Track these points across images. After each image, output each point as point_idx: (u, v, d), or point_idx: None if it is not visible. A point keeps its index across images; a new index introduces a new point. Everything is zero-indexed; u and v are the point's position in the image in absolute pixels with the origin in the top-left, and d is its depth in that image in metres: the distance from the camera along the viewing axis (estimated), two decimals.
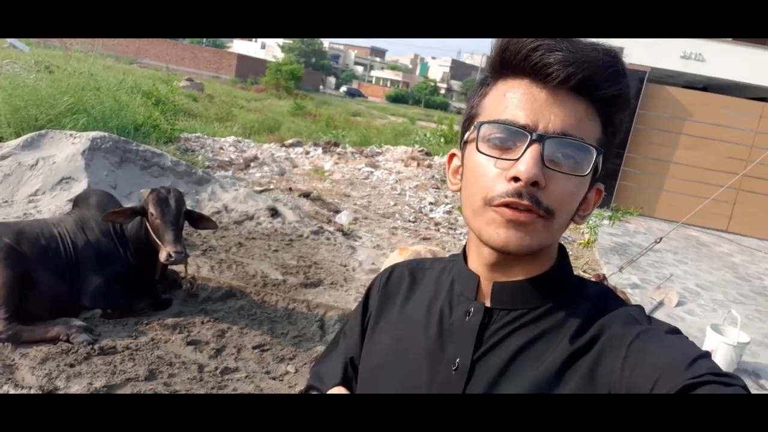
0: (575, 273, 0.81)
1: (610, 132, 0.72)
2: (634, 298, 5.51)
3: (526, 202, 0.66)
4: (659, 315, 5.05)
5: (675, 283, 6.40)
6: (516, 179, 0.66)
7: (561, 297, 0.75)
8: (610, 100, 0.69)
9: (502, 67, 0.71)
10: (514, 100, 0.69)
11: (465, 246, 0.82)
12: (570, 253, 5.05)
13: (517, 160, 0.66)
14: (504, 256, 0.73)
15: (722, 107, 10.10)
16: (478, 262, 0.77)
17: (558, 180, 0.67)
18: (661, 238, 5.80)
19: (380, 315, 0.89)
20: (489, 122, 0.70)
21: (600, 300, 0.75)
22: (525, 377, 0.71)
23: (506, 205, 0.67)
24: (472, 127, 0.73)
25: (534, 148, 0.66)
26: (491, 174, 0.69)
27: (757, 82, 10.10)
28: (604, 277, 5.42)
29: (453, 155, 0.82)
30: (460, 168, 0.78)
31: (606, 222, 8.25)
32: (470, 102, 0.77)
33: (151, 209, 3.49)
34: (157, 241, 3.49)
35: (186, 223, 3.77)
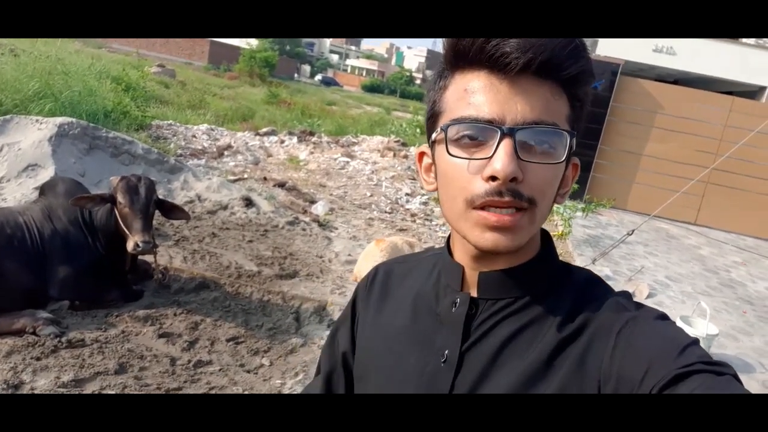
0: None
1: (577, 107, 0.70)
2: None
3: (507, 198, 0.65)
4: None
5: (646, 275, 6.51)
6: (493, 178, 0.64)
7: (547, 284, 0.74)
8: (575, 77, 0.67)
9: (457, 60, 0.69)
10: (476, 94, 0.67)
11: (449, 237, 0.81)
12: None
13: (491, 157, 0.65)
14: (497, 253, 0.71)
15: (692, 101, 10.27)
16: (463, 253, 0.76)
17: (535, 170, 0.66)
18: (632, 231, 5.89)
19: (368, 316, 0.88)
20: (455, 122, 0.68)
21: (586, 286, 0.74)
22: (514, 367, 0.70)
23: (489, 205, 0.66)
24: (439, 129, 0.70)
25: (506, 143, 0.64)
26: (467, 175, 0.67)
27: (726, 76, 10.31)
28: None
29: (423, 153, 0.80)
30: (432, 166, 0.76)
31: (579, 214, 8.35)
32: (430, 97, 0.75)
33: (120, 197, 3.40)
34: (125, 230, 3.41)
35: (158, 213, 3.69)
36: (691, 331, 4.19)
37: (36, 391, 2.64)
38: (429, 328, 0.79)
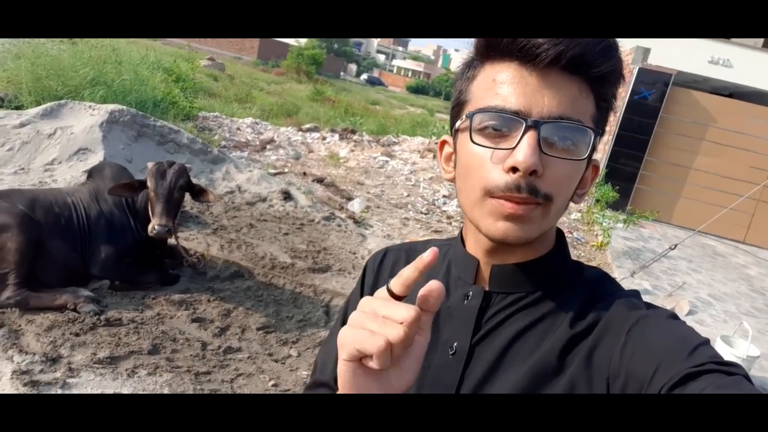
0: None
1: (603, 108, 0.70)
2: None
3: (524, 195, 0.65)
4: None
5: (687, 291, 6.31)
6: (514, 169, 0.64)
7: (559, 281, 0.74)
8: (605, 76, 0.67)
9: (488, 50, 0.69)
10: (504, 85, 0.67)
11: (462, 230, 0.81)
12: (582, 255, 5.00)
13: (514, 148, 0.64)
14: (502, 244, 0.71)
15: (747, 115, 9.90)
16: (476, 246, 0.76)
17: (556, 165, 0.66)
18: (676, 245, 5.71)
19: None
20: (481, 111, 0.67)
21: (597, 284, 0.74)
22: (524, 362, 0.70)
23: (505, 199, 0.66)
24: (464, 116, 0.70)
25: (530, 135, 0.64)
26: (488, 165, 0.67)
27: None
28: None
29: (444, 142, 0.80)
30: (452, 155, 0.76)
31: (620, 225, 8.15)
32: (458, 86, 0.74)
33: (148, 182, 3.49)
34: (150, 213, 3.50)
35: (192, 201, 3.74)
36: (732, 352, 4.04)
37: (72, 366, 2.74)
38: (437, 319, 0.77)
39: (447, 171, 0.78)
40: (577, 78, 0.66)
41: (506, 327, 0.73)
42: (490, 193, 0.67)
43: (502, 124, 0.66)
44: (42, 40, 9.74)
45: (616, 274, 6.07)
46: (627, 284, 5.67)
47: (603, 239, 7.26)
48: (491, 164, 0.66)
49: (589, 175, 0.74)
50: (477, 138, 0.68)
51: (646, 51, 9.76)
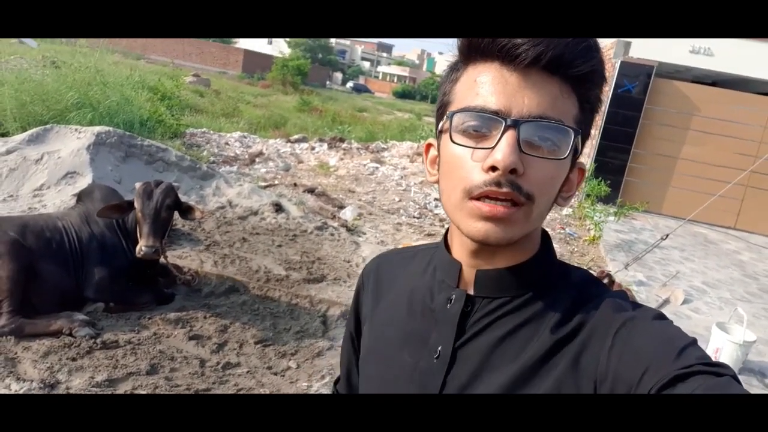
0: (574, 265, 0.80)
1: (587, 109, 0.70)
2: (640, 295, 5.48)
3: (505, 189, 0.64)
4: (665, 312, 5.02)
5: (681, 280, 6.35)
6: (494, 168, 0.64)
7: (544, 284, 0.74)
8: (585, 77, 0.66)
9: (470, 52, 0.69)
10: (485, 86, 0.67)
11: (446, 233, 0.81)
12: (575, 250, 5.03)
13: (493, 148, 0.64)
14: (485, 246, 0.71)
15: (731, 102, 9.99)
16: (461, 250, 0.76)
17: (537, 165, 0.65)
18: (667, 235, 5.75)
19: (368, 307, 0.90)
20: (461, 111, 0.68)
21: (584, 286, 0.74)
22: (508, 365, 0.69)
23: (486, 195, 0.65)
24: (445, 117, 0.70)
25: (509, 135, 0.64)
26: (468, 165, 0.67)
27: (765, 77, 10.00)
28: (609, 274, 5.39)
29: (430, 145, 0.80)
30: (437, 158, 0.75)
31: (611, 218, 8.20)
32: (442, 89, 0.75)
33: (135, 202, 3.48)
34: (138, 234, 3.49)
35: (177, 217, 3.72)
36: (728, 338, 4.07)
37: (71, 391, 2.73)
38: (423, 324, 0.78)
39: (432, 174, 0.78)
40: (558, 78, 0.66)
41: (490, 331, 0.72)
42: (470, 194, 0.66)
43: (482, 124, 0.66)
44: (25, 65, 9.73)
45: (610, 267, 6.10)
46: (621, 277, 5.71)
47: (595, 233, 7.30)
48: (471, 164, 0.67)
49: (574, 178, 0.74)
50: (458, 138, 0.68)
51: (627, 44, 9.84)
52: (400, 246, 4.96)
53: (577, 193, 0.78)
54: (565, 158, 0.67)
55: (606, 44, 10.00)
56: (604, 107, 9.86)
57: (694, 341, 0.63)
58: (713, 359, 0.61)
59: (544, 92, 0.65)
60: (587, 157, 9.83)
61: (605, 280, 3.93)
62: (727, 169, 9.39)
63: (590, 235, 7.30)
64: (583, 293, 0.72)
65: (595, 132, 10.08)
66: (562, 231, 7.69)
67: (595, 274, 0.82)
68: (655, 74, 9.90)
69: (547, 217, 0.73)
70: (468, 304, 0.75)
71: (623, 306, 0.69)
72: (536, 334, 0.70)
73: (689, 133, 10.21)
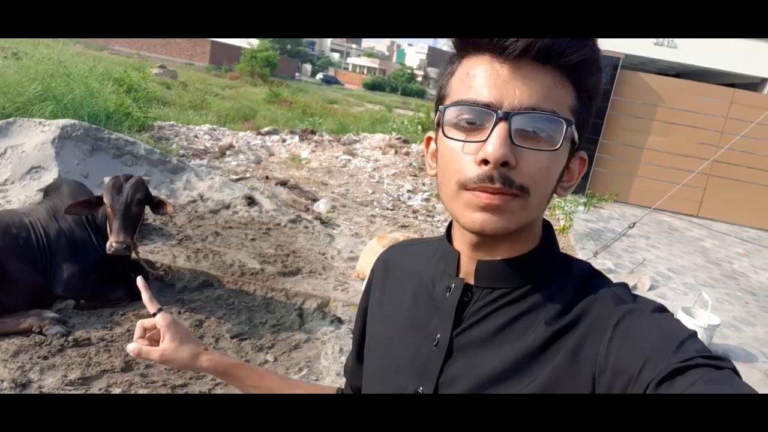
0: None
1: (584, 97, 0.69)
2: None
3: (497, 185, 0.64)
4: None
5: (648, 267, 6.52)
6: (485, 162, 0.64)
7: (545, 276, 0.74)
8: (578, 65, 0.66)
9: (463, 45, 0.69)
10: (477, 78, 0.67)
11: (450, 224, 0.82)
12: None
13: (485, 141, 0.64)
14: (484, 237, 0.71)
15: (693, 93, 10.27)
16: (462, 241, 0.77)
17: (529, 157, 0.65)
18: (634, 224, 5.90)
19: (376, 295, 0.92)
20: (453, 105, 0.68)
21: (585, 279, 0.74)
22: (506, 353, 0.70)
23: (479, 191, 0.66)
24: (439, 110, 0.71)
25: (500, 127, 0.64)
26: (462, 158, 0.67)
27: (727, 68, 10.30)
28: None
29: (430, 139, 0.80)
30: (436, 151, 0.75)
31: (581, 208, 8.36)
32: (439, 82, 0.75)
33: (104, 197, 3.41)
34: (108, 230, 3.42)
35: (148, 211, 3.66)
36: (693, 322, 4.20)
37: (44, 390, 2.68)
38: (426, 312, 0.79)
39: (431, 167, 0.78)
40: (551, 68, 0.65)
41: (489, 321, 0.73)
42: (464, 186, 0.67)
43: (475, 117, 0.66)
44: None
45: (580, 255, 6.23)
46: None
47: (565, 223, 7.43)
48: (465, 157, 0.67)
49: (575, 167, 0.74)
50: (451, 132, 0.68)
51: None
52: (374, 239, 4.97)
53: (576, 183, 0.78)
54: (558, 149, 0.66)
55: None
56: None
57: (693, 334, 0.63)
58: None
59: (536, 83, 0.65)
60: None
61: None
62: (691, 159, 9.66)
63: (560, 225, 7.43)
64: (584, 285, 0.72)
65: None
66: None
67: None
68: (621, 66, 10.10)
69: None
70: (468, 294, 0.76)
71: (623, 298, 0.69)
72: (535, 324, 0.70)
73: (654, 124, 10.46)
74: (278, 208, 6.13)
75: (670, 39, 10.26)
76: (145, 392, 2.79)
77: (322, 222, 6.17)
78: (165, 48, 38.44)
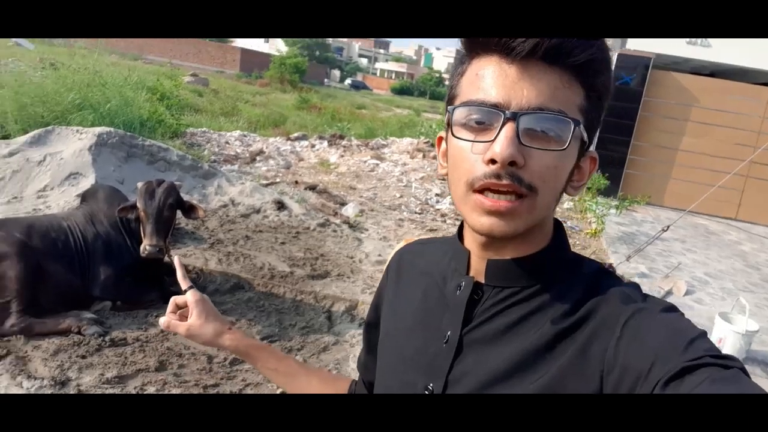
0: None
1: (593, 97, 0.69)
2: (642, 287, 5.49)
3: (506, 182, 0.65)
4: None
5: (683, 271, 6.37)
6: (493, 161, 0.65)
7: (555, 275, 0.74)
8: (586, 65, 0.66)
9: (472, 45, 0.70)
10: (486, 79, 0.68)
11: (462, 223, 0.83)
12: (577, 243, 5.04)
13: (493, 141, 0.65)
14: (493, 238, 0.71)
15: (729, 93, 10.00)
16: (472, 240, 0.77)
17: (537, 156, 0.66)
18: (668, 227, 5.78)
19: (389, 293, 0.92)
20: (462, 105, 0.69)
21: (595, 278, 0.74)
22: (514, 350, 0.70)
23: (487, 188, 0.66)
24: (447, 111, 0.71)
25: (508, 127, 0.64)
26: (470, 158, 0.68)
27: (764, 67, 10.01)
28: (612, 267, 5.41)
29: (441, 138, 0.81)
30: (447, 151, 0.76)
31: (613, 211, 8.22)
32: (450, 81, 0.76)
33: (138, 202, 3.51)
34: (141, 234, 3.51)
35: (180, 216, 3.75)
36: (731, 328, 4.09)
37: (82, 388, 2.75)
38: (437, 310, 0.80)
39: (442, 166, 0.79)
40: (558, 68, 0.66)
41: (498, 319, 0.74)
42: (472, 186, 0.68)
43: (483, 117, 0.67)
44: (23, 68, 9.73)
45: (612, 259, 6.13)
46: (623, 269, 5.73)
47: (597, 226, 7.32)
48: (473, 157, 0.67)
49: (586, 167, 0.74)
50: (460, 132, 0.69)
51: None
52: (402, 242, 4.98)
53: (586, 182, 0.78)
54: (566, 149, 0.67)
55: None
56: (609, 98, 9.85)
57: (703, 333, 0.63)
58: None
59: (544, 83, 0.65)
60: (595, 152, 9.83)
61: None
62: (727, 160, 9.41)
63: (592, 228, 7.32)
64: (593, 284, 0.72)
65: None
66: (564, 224, 7.71)
67: None
68: (653, 66, 9.91)
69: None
70: (478, 292, 0.76)
71: (633, 297, 0.69)
72: (543, 322, 0.71)
73: (688, 125, 10.23)
74: (307, 212, 6.19)
75: (704, 38, 10.03)
76: (177, 392, 2.84)
77: (351, 226, 6.21)
78: (196, 56, 39.21)
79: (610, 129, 10.07)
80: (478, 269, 0.77)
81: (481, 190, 0.67)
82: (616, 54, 9.78)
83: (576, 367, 0.66)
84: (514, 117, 0.65)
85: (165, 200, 3.53)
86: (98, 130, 5.80)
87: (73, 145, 5.57)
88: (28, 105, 7.30)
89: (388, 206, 7.53)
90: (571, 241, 7.16)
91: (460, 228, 0.82)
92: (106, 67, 10.13)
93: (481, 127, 0.67)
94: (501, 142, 0.64)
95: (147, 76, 13.44)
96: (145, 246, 3.41)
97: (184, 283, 1.04)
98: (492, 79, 0.67)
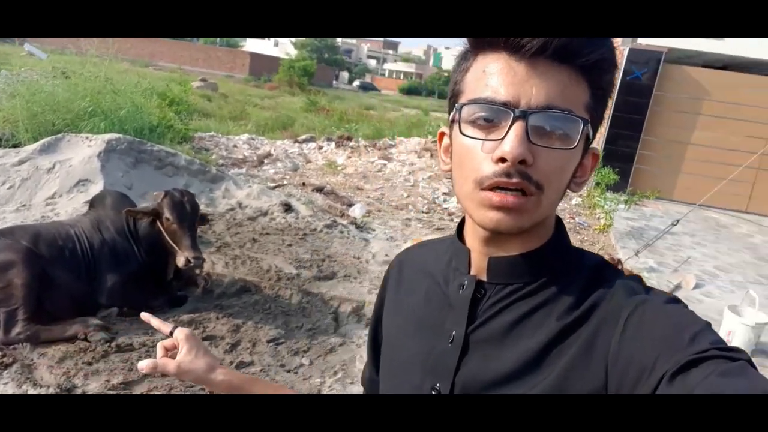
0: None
1: (599, 95, 0.69)
2: (651, 281, 5.45)
3: (515, 180, 0.65)
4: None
5: (692, 265, 6.31)
6: (503, 160, 0.65)
7: (557, 270, 0.74)
8: (594, 64, 0.66)
9: (479, 42, 0.70)
10: (493, 76, 0.67)
11: (461, 222, 0.82)
12: (586, 239, 5.01)
13: (502, 139, 0.65)
14: (497, 234, 0.72)
15: (741, 86, 9.88)
16: (474, 237, 0.77)
17: (546, 155, 0.66)
18: (678, 221, 5.73)
19: (391, 295, 0.92)
20: (470, 102, 0.68)
21: (597, 271, 0.74)
22: (521, 348, 0.70)
23: (496, 186, 0.66)
24: (455, 108, 0.71)
25: (518, 126, 0.64)
26: (479, 156, 0.67)
27: None
28: (620, 262, 5.37)
29: (443, 134, 0.80)
30: (450, 147, 0.76)
31: (622, 206, 8.15)
32: (453, 78, 0.75)
33: (167, 214, 3.53)
34: (173, 245, 3.54)
35: None
36: (740, 320, 4.05)
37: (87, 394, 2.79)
38: (440, 310, 0.80)
39: (445, 162, 0.78)
40: (567, 66, 0.66)
41: (503, 316, 0.73)
42: (481, 184, 0.67)
43: (492, 115, 0.67)
44: (35, 77, 9.85)
45: (621, 254, 6.08)
46: (632, 263, 5.68)
47: (605, 222, 7.27)
48: (482, 155, 0.67)
49: (588, 163, 0.74)
50: (468, 130, 0.69)
51: None
52: (409, 242, 4.98)
53: (588, 179, 0.78)
54: (574, 147, 0.67)
55: None
56: (613, 95, 9.79)
57: (707, 325, 0.62)
58: (726, 342, 0.60)
59: (553, 81, 0.65)
60: (596, 145, 9.78)
61: None
62: (739, 153, 9.29)
63: (600, 224, 7.27)
64: (596, 278, 0.72)
65: (604, 120, 10.02)
66: (572, 220, 7.67)
67: None
68: (665, 60, 9.81)
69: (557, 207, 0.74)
70: (481, 291, 0.76)
71: (636, 290, 0.69)
72: (548, 318, 0.71)
73: (700, 119, 10.12)
74: (314, 213, 6.20)
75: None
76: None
77: (358, 226, 6.22)
78: (206, 62, 39.48)
79: (620, 124, 9.99)
80: (479, 267, 0.77)
81: (490, 188, 0.67)
82: (628, 49, 9.70)
83: (582, 361, 0.66)
84: (524, 115, 0.65)
85: (197, 211, 3.65)
86: (107, 136, 5.86)
87: (82, 152, 5.63)
88: (39, 113, 7.38)
89: (395, 206, 7.53)
90: (579, 237, 7.11)
91: (460, 227, 0.82)
92: (117, 75, 10.21)
93: (489, 124, 0.67)
94: (511, 141, 0.64)
95: (157, 82, 13.55)
96: (190, 258, 3.47)
97: (165, 328, 1.02)
98: (500, 76, 0.67)
